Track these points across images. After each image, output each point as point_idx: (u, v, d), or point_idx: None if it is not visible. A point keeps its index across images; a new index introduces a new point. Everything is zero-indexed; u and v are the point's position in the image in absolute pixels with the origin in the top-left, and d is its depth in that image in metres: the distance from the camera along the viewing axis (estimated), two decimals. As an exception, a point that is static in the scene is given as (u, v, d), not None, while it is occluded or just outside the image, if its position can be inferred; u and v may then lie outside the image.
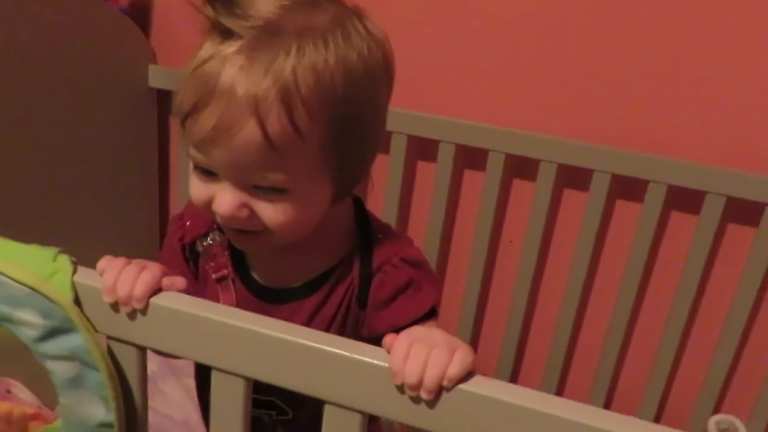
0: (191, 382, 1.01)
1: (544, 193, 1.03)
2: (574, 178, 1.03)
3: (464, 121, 1.04)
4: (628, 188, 1.01)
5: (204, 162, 0.52)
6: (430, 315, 0.60)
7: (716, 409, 1.02)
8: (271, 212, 0.52)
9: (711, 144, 0.96)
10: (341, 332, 0.61)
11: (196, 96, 0.50)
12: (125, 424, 0.53)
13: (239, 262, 0.63)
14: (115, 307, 0.50)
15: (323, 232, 0.59)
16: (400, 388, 0.44)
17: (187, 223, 0.65)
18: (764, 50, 0.90)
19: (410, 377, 0.43)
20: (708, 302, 1.02)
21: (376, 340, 0.50)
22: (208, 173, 0.53)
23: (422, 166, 1.11)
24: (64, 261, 0.51)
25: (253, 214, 0.53)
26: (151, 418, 0.57)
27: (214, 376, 0.50)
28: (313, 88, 0.49)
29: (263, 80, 0.48)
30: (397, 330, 0.56)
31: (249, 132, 0.49)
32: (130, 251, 0.56)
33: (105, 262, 0.51)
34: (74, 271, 0.51)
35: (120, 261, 0.51)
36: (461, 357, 0.44)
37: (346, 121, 0.52)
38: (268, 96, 0.48)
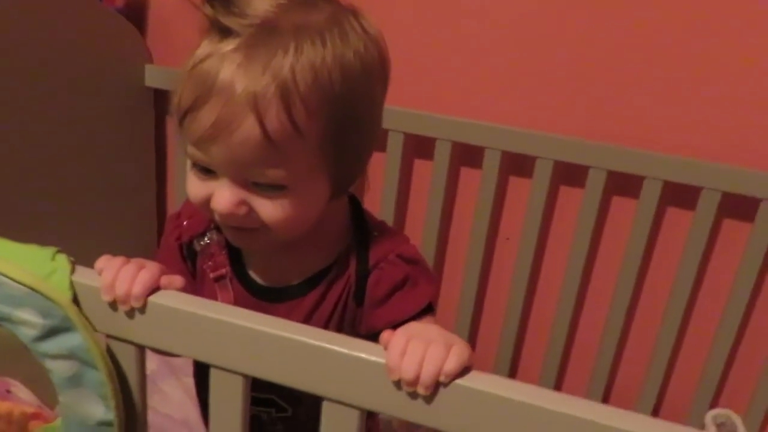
0: (190, 381, 1.02)
1: (540, 190, 1.03)
2: (570, 174, 1.04)
3: (460, 118, 1.04)
4: (623, 184, 1.01)
5: (202, 159, 0.52)
6: (426, 311, 0.61)
7: (713, 404, 1.03)
8: (269, 209, 0.53)
9: (706, 140, 0.96)
10: (339, 330, 0.61)
11: (194, 94, 0.50)
12: (125, 423, 0.53)
13: (236, 260, 0.63)
14: (113, 305, 0.50)
15: (320, 230, 0.59)
16: (398, 384, 0.45)
17: (185, 223, 0.65)
18: (759, 46, 0.91)
19: (407, 373, 0.44)
20: (704, 297, 1.02)
21: (373, 337, 0.51)
22: (206, 171, 0.53)
23: (419, 164, 1.12)
24: (63, 260, 0.51)
25: (251, 211, 0.53)
26: (151, 417, 0.58)
27: (213, 374, 0.50)
28: (311, 85, 0.49)
29: (261, 77, 0.48)
30: (395, 326, 0.56)
31: (248, 129, 0.49)
32: (127, 251, 0.57)
33: (103, 261, 0.52)
34: (72, 270, 0.51)
35: (118, 260, 0.51)
36: (458, 352, 0.44)
37: (343, 118, 0.52)
38: (267, 93, 0.48)
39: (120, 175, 1.17)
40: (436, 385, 0.44)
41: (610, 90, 0.99)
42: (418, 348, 0.44)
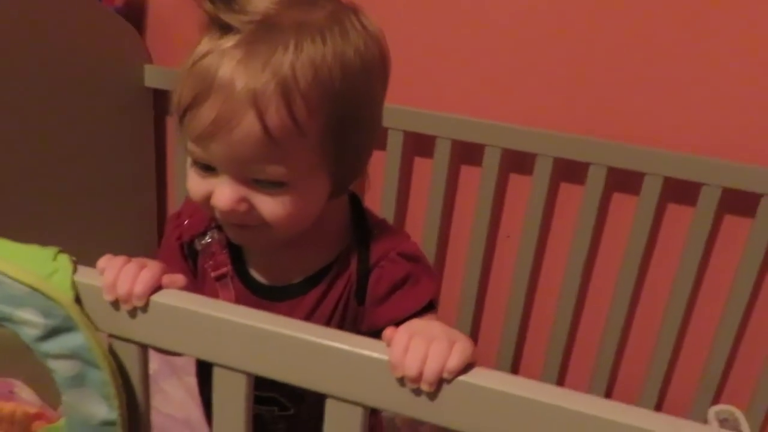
0: (192, 381, 1.02)
1: (540, 187, 1.03)
2: (570, 171, 1.04)
3: (460, 116, 1.04)
4: (624, 181, 1.01)
5: (203, 157, 0.52)
6: (428, 308, 0.61)
7: (715, 400, 1.03)
8: (270, 206, 0.53)
9: (707, 136, 0.96)
10: (340, 328, 0.61)
11: (194, 90, 0.50)
12: (128, 423, 0.53)
13: (237, 259, 0.63)
14: (115, 305, 0.50)
15: (321, 228, 0.59)
16: (401, 381, 0.44)
17: (185, 222, 0.65)
18: (759, 43, 0.91)
19: (410, 370, 0.44)
20: (705, 293, 1.02)
21: (375, 335, 0.51)
22: (207, 168, 0.53)
23: (419, 162, 1.12)
24: (64, 260, 0.51)
25: (252, 208, 0.53)
26: (153, 417, 0.58)
27: (216, 373, 0.50)
28: (311, 82, 0.49)
29: (262, 74, 0.48)
30: (397, 324, 0.56)
31: (248, 125, 0.49)
32: (127, 250, 0.57)
33: (105, 261, 0.52)
34: (74, 270, 0.51)
35: (120, 259, 0.51)
36: (461, 349, 0.44)
37: (343, 115, 0.52)
38: (267, 89, 0.48)
39: (120, 175, 1.17)
40: (440, 382, 0.44)
41: (610, 87, 0.99)
42: (421, 344, 0.44)
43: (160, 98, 1.19)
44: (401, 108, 1.03)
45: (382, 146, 1.07)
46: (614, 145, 0.98)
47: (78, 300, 0.51)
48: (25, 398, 0.60)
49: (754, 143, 0.95)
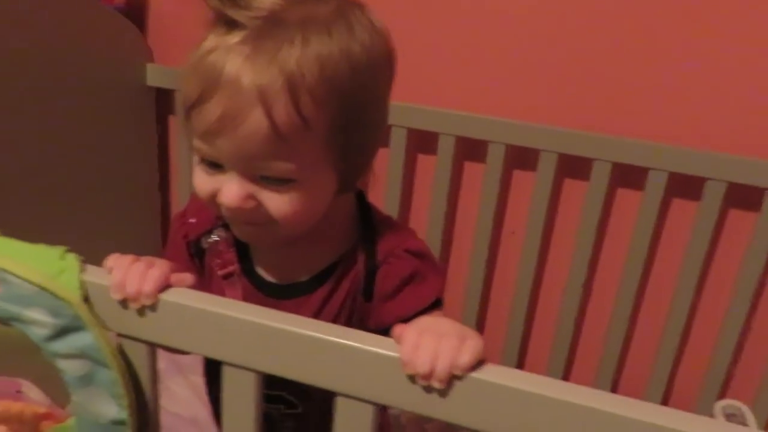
0: (198, 380, 1.02)
1: (544, 183, 1.03)
2: (574, 167, 1.03)
3: (463, 112, 1.04)
4: (628, 176, 1.01)
5: (209, 153, 0.52)
6: (435, 305, 0.60)
7: (721, 395, 1.03)
8: (277, 203, 0.53)
9: (710, 130, 0.96)
10: (347, 325, 0.60)
11: (200, 87, 0.50)
12: (137, 422, 0.53)
13: (244, 257, 0.63)
14: (124, 304, 0.50)
15: (327, 225, 0.59)
16: (412, 378, 0.44)
17: (191, 220, 0.65)
18: (763, 37, 0.90)
19: (421, 367, 0.43)
20: (711, 287, 1.02)
21: (383, 332, 0.51)
22: (214, 165, 0.53)
23: (422, 159, 1.12)
24: (72, 259, 0.51)
25: (259, 205, 0.53)
26: (161, 416, 0.57)
27: (225, 371, 0.50)
28: (318, 77, 0.49)
29: (268, 70, 0.48)
30: (405, 321, 0.56)
31: (255, 121, 0.49)
32: (131, 249, 0.56)
33: (113, 260, 0.51)
34: (82, 269, 0.51)
35: (128, 258, 0.51)
36: (472, 345, 0.44)
37: (350, 110, 0.52)
38: (274, 85, 0.48)
39: (123, 174, 1.17)
40: (451, 379, 0.44)
41: (614, 82, 0.99)
42: (432, 341, 0.44)
43: (162, 97, 1.19)
44: (404, 105, 1.02)
45: (386, 143, 1.07)
46: (618, 141, 0.98)
47: (86, 299, 0.50)
48: (33, 398, 0.60)
49: (758, 138, 0.94)
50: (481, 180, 1.07)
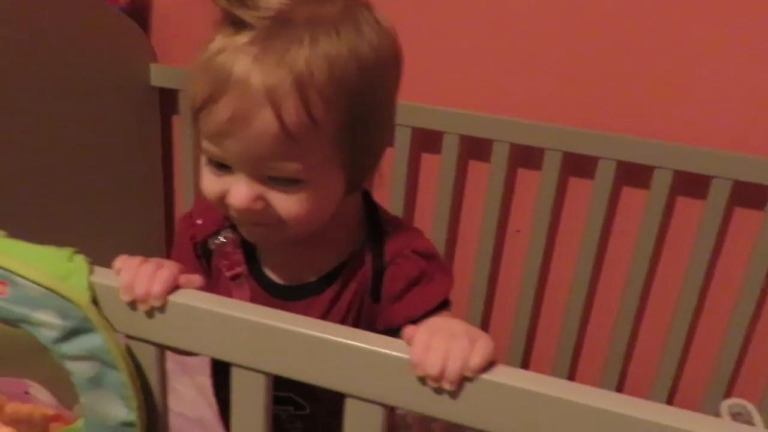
0: (204, 380, 1.02)
1: (549, 181, 1.03)
2: (579, 166, 1.03)
3: (468, 111, 1.04)
4: (633, 175, 1.01)
5: (218, 155, 0.52)
6: (443, 305, 0.60)
7: (727, 394, 1.03)
8: (286, 203, 0.52)
9: (716, 128, 0.96)
10: (355, 326, 0.61)
11: (209, 88, 0.50)
12: (146, 423, 0.53)
13: (251, 258, 0.63)
14: (132, 305, 0.50)
15: (335, 226, 0.59)
16: (422, 380, 0.44)
17: (198, 221, 0.65)
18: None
19: (432, 368, 0.43)
20: (717, 286, 1.02)
21: (391, 333, 0.50)
22: (222, 166, 0.53)
23: (427, 158, 1.11)
24: (80, 261, 0.51)
25: (268, 206, 0.53)
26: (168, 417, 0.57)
27: (234, 373, 0.50)
28: (327, 78, 0.49)
29: (277, 70, 0.48)
30: (413, 322, 0.56)
31: (265, 122, 0.49)
32: (134, 249, 0.56)
33: (121, 261, 0.51)
34: (91, 271, 0.51)
35: (136, 259, 0.51)
36: (482, 347, 0.44)
37: (359, 110, 0.52)
38: (283, 86, 0.48)
39: (127, 174, 1.17)
40: (462, 380, 0.43)
41: (618, 80, 0.98)
42: (442, 343, 0.44)
43: (166, 97, 1.19)
44: (408, 104, 1.02)
45: (390, 142, 1.06)
46: (623, 139, 0.97)
47: (95, 301, 0.50)
48: (42, 399, 0.60)
49: (764, 135, 0.94)
50: (485, 179, 1.07)
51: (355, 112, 0.52)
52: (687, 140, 0.96)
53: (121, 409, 0.51)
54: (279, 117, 0.48)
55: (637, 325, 1.07)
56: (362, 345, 0.45)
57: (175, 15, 1.17)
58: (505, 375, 0.43)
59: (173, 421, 0.95)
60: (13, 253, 0.50)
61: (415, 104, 1.04)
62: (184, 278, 0.51)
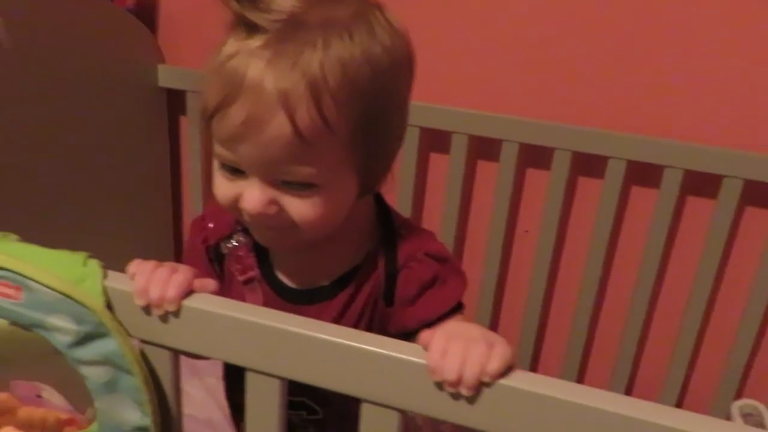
0: (213, 382, 1.02)
1: (559, 181, 1.03)
2: (588, 165, 1.03)
3: (476, 111, 1.03)
4: (643, 174, 1.00)
5: (231, 159, 0.52)
6: (456, 309, 0.60)
7: (738, 395, 1.02)
8: (299, 208, 0.52)
9: (727, 127, 0.95)
10: (368, 330, 0.61)
11: (223, 92, 0.49)
12: (160, 428, 0.53)
13: (264, 262, 0.63)
14: (147, 310, 0.50)
15: (347, 229, 0.59)
16: (439, 385, 0.44)
17: (210, 225, 0.65)
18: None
19: (450, 373, 0.43)
20: (727, 286, 1.01)
21: (404, 337, 0.50)
22: (235, 171, 0.53)
23: (435, 158, 1.11)
24: (94, 265, 0.51)
25: (281, 210, 0.53)
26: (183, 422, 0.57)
27: (249, 378, 0.50)
28: (340, 81, 0.49)
29: (291, 74, 0.48)
30: (427, 326, 0.56)
31: (278, 126, 0.48)
32: (143, 252, 0.56)
33: (135, 266, 0.51)
34: (104, 275, 0.51)
35: (150, 264, 0.51)
36: (500, 352, 0.44)
37: (372, 113, 0.52)
38: (297, 90, 0.48)
39: (134, 176, 1.17)
40: (479, 386, 0.43)
41: (627, 79, 0.98)
42: (460, 347, 0.44)
43: (173, 98, 1.19)
44: (417, 104, 0.99)
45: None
46: (633, 138, 0.97)
47: (108, 305, 0.50)
48: (55, 402, 0.59)
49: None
50: (494, 179, 1.06)
51: (369, 115, 0.52)
52: (697, 139, 0.95)
53: (136, 414, 0.51)
54: (292, 121, 0.48)
55: (647, 326, 1.07)
56: (379, 350, 0.45)
57: (182, 16, 1.17)
58: (524, 380, 0.43)
59: (183, 422, 0.95)
60: (27, 258, 0.50)
61: (423, 104, 1.03)
62: (198, 283, 0.51)
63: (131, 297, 0.50)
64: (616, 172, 0.99)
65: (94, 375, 0.50)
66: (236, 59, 0.49)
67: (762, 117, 0.94)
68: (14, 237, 0.54)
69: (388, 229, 0.62)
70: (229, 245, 0.62)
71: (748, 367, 1.02)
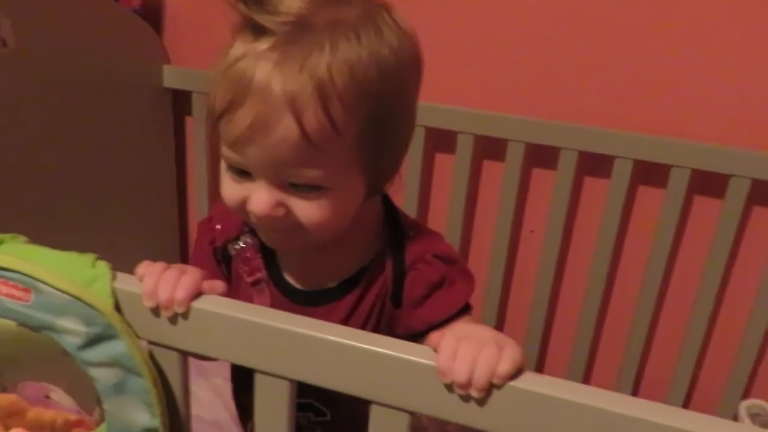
0: (220, 382, 1.02)
1: (565, 181, 1.02)
2: (595, 165, 1.02)
3: (482, 111, 1.03)
4: (650, 174, 1.00)
5: (239, 161, 0.52)
6: (464, 311, 0.60)
7: (746, 394, 1.02)
8: (307, 210, 0.52)
9: (734, 126, 0.95)
10: (375, 332, 0.60)
11: (230, 95, 0.49)
12: (169, 429, 0.53)
13: (271, 264, 0.62)
14: (156, 311, 0.50)
15: (355, 230, 0.58)
16: (449, 387, 0.44)
17: (217, 227, 0.65)
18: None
19: (460, 375, 0.43)
20: (735, 285, 1.01)
21: (412, 338, 0.50)
22: (242, 173, 0.53)
23: (441, 158, 1.11)
24: (103, 267, 0.51)
25: (288, 212, 0.53)
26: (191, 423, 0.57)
27: (258, 379, 0.50)
28: (348, 83, 0.49)
29: (299, 76, 0.48)
30: (434, 327, 0.56)
31: (286, 128, 0.48)
32: (149, 253, 0.56)
33: (144, 267, 0.51)
34: (113, 277, 0.51)
35: (159, 265, 0.51)
36: (511, 354, 0.43)
37: (380, 115, 0.51)
38: (305, 92, 0.48)
39: (140, 176, 1.17)
40: (490, 388, 0.43)
41: (634, 79, 0.98)
42: (470, 349, 0.43)
43: (179, 99, 1.19)
44: (422, 104, 0.98)
45: (405, 143, 1.06)
46: (640, 137, 0.96)
47: (117, 307, 0.50)
48: (63, 404, 0.59)
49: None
50: (500, 179, 1.06)
51: (376, 117, 0.51)
52: (705, 139, 0.95)
53: (145, 416, 0.51)
54: (300, 124, 0.48)
55: (654, 326, 1.07)
56: (389, 351, 0.45)
57: (187, 16, 1.17)
58: (534, 383, 0.43)
59: (190, 423, 0.95)
60: (36, 260, 0.50)
61: (428, 104, 1.03)
62: (207, 284, 0.51)
63: (140, 299, 0.50)
64: (622, 171, 0.99)
65: (103, 377, 0.50)
66: (243, 62, 0.49)
67: (769, 116, 0.93)
68: (23, 239, 0.54)
69: (396, 231, 0.62)
70: (237, 247, 0.62)
71: (756, 366, 1.01)
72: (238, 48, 0.50)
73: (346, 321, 0.60)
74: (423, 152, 1.08)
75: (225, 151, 0.52)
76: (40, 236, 0.54)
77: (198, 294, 0.50)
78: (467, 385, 0.43)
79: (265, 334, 0.48)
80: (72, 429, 0.56)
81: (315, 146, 0.49)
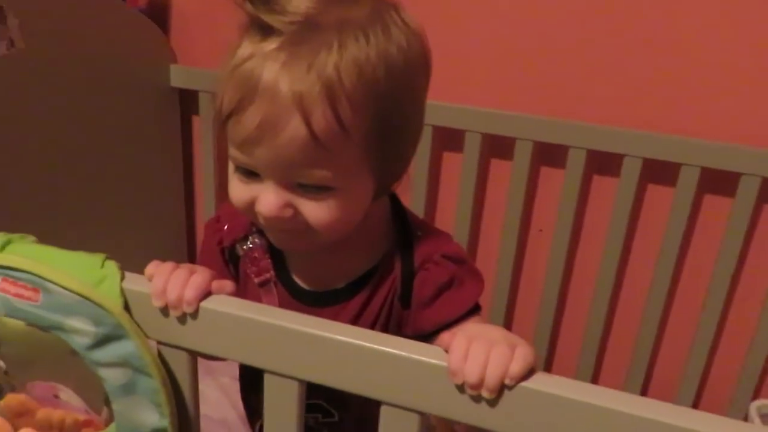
0: (227, 381, 1.02)
1: (573, 180, 1.02)
2: (603, 163, 1.02)
3: (490, 109, 1.02)
4: (659, 172, 0.99)
5: (247, 162, 0.51)
6: (474, 311, 0.60)
7: (756, 395, 1.01)
8: (315, 211, 0.52)
9: (744, 124, 0.94)
10: (384, 332, 0.60)
11: (238, 95, 0.49)
12: (178, 429, 0.53)
13: (280, 264, 0.62)
14: (165, 311, 0.50)
15: (363, 230, 0.58)
16: (461, 388, 0.44)
17: (225, 227, 0.65)
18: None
19: (471, 376, 0.43)
20: (745, 285, 1.00)
21: (421, 339, 0.50)
22: (250, 174, 0.52)
23: (448, 157, 1.10)
24: (112, 267, 0.51)
25: (297, 213, 0.52)
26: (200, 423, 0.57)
27: (267, 380, 0.50)
28: (356, 83, 0.48)
29: (307, 76, 0.47)
30: (443, 328, 0.55)
31: (294, 129, 0.48)
32: (156, 252, 0.56)
33: (153, 267, 0.51)
34: (122, 277, 0.50)
35: (168, 265, 0.51)
36: (522, 354, 0.43)
37: (388, 114, 0.51)
38: (313, 92, 0.47)
39: (147, 176, 1.17)
40: (501, 388, 0.43)
41: (643, 76, 0.97)
42: (481, 350, 0.43)
43: (186, 98, 1.19)
44: (430, 102, 0.99)
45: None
46: (649, 136, 0.96)
47: (126, 307, 0.50)
48: (72, 403, 0.59)
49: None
50: (508, 177, 1.05)
51: (385, 117, 0.51)
52: (714, 137, 0.94)
53: (154, 416, 0.51)
54: (308, 124, 0.48)
55: (663, 326, 1.06)
56: (399, 352, 0.45)
57: (194, 16, 1.17)
58: (546, 383, 0.43)
59: (198, 422, 0.95)
60: (45, 260, 0.50)
61: (436, 103, 1.01)
62: (216, 284, 0.50)
63: (149, 298, 0.50)
64: (631, 170, 0.98)
65: (112, 377, 0.50)
66: (251, 62, 0.49)
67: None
68: (31, 238, 0.54)
69: (404, 231, 0.62)
70: (245, 247, 0.62)
71: (767, 366, 1.00)
72: (246, 48, 0.50)
73: (354, 322, 0.60)
74: (431, 151, 1.07)
75: (233, 152, 0.52)
76: (49, 236, 0.54)
77: (207, 294, 0.50)
78: (479, 385, 0.43)
79: (275, 335, 0.47)
80: (81, 429, 0.56)
81: (323, 146, 0.49)
